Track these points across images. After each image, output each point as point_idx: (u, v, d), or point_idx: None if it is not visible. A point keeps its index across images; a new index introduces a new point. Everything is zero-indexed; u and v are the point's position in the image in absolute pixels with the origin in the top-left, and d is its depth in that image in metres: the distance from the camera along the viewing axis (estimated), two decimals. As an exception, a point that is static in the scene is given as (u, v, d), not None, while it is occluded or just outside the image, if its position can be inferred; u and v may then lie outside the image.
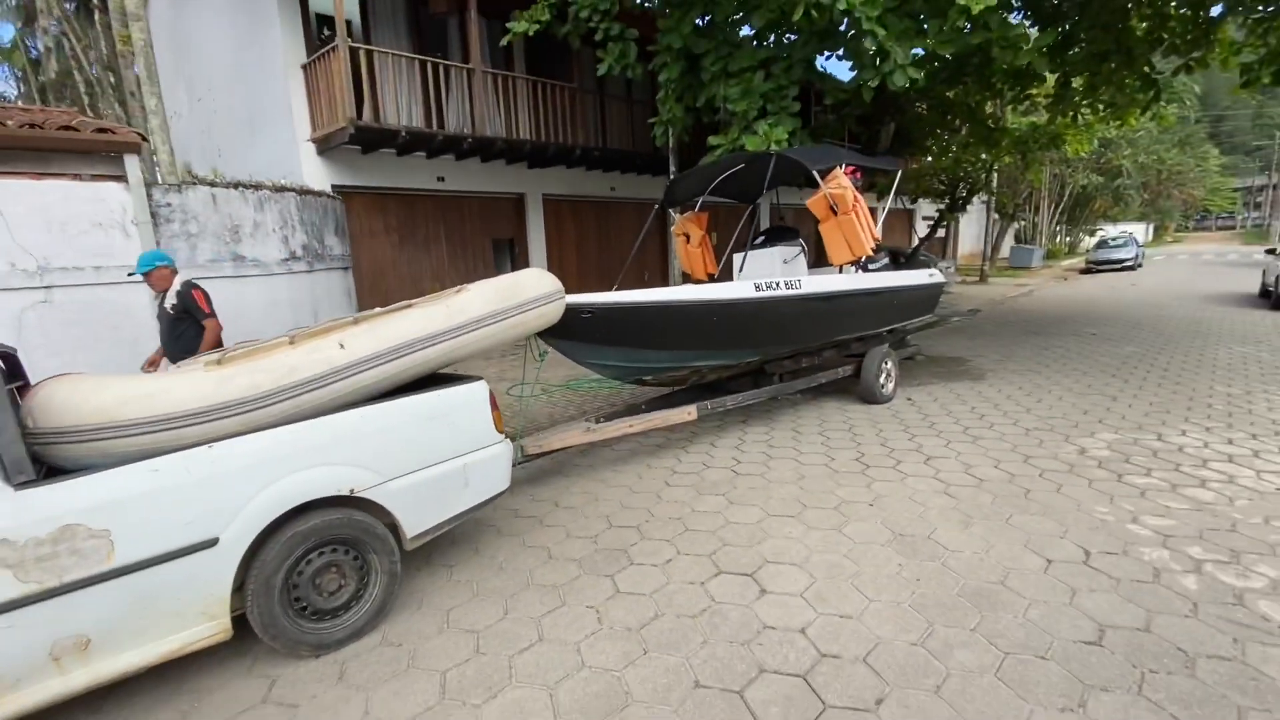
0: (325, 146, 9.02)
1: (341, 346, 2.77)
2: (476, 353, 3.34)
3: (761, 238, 6.18)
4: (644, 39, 8.31)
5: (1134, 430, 5.04)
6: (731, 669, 2.37)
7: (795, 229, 6.35)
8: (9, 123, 4.53)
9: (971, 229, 30.02)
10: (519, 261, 12.17)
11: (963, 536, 3.35)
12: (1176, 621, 2.56)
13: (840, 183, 5.16)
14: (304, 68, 8.99)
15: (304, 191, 6.13)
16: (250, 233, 5.36)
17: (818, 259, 8.29)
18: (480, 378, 3.23)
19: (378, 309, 3.15)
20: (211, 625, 2.34)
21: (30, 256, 4.37)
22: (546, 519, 3.88)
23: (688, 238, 6.69)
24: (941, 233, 20.28)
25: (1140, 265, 25.32)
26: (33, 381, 2.80)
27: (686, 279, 7.13)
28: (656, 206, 6.58)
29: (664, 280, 14.31)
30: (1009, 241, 28.61)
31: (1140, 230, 38.67)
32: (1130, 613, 2.62)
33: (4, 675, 1.99)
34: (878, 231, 5.35)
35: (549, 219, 12.43)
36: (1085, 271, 24.97)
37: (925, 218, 24.39)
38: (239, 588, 2.42)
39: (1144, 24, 9.60)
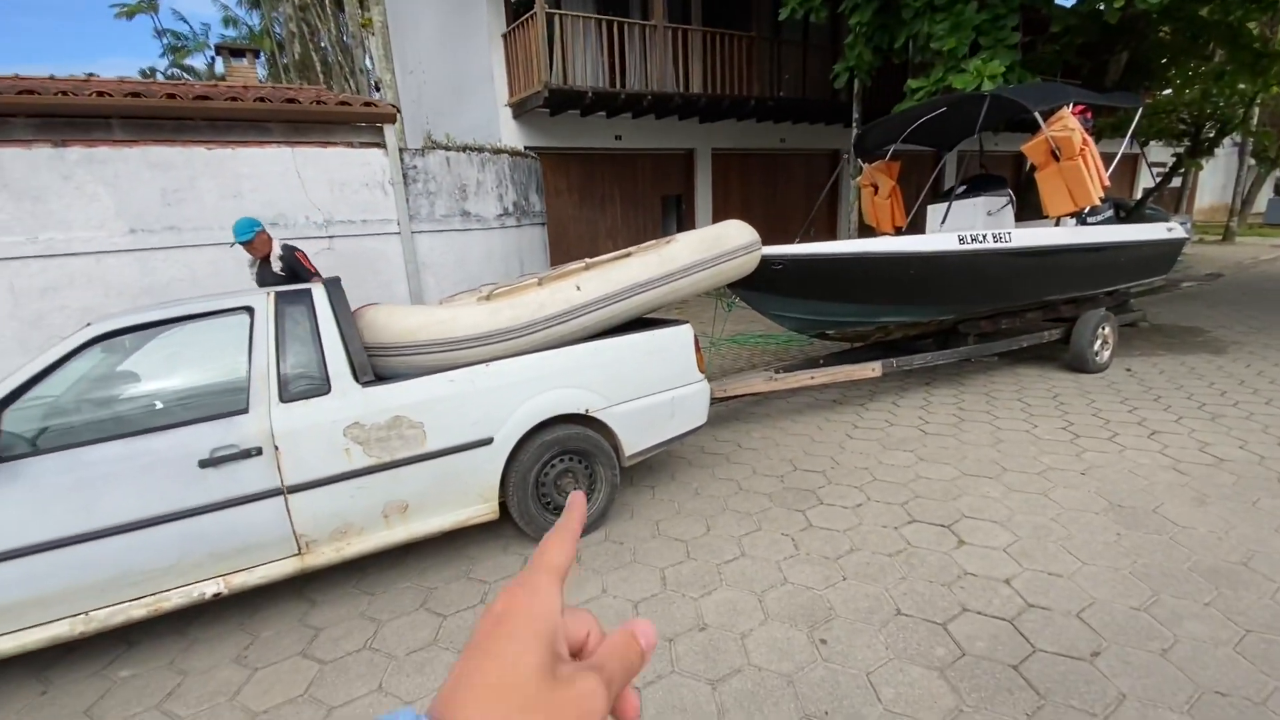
0: (520, 110, 9.81)
1: (579, 289, 3.20)
2: (683, 298, 3.64)
3: (963, 187, 5.74)
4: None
5: None
6: (933, 604, 2.49)
7: (1002, 178, 5.81)
8: (302, 100, 5.57)
9: (1215, 178, 24.86)
10: (685, 218, 12.41)
11: (1196, 514, 3.07)
12: None
13: (1066, 124, 4.64)
14: (504, 36, 9.77)
15: (514, 153, 6.82)
16: (474, 191, 6.12)
17: (1021, 210, 7.54)
18: (686, 321, 3.52)
19: (604, 256, 3.54)
20: (485, 507, 2.93)
21: (319, 211, 5.42)
22: (732, 457, 4.16)
23: (875, 189, 6.43)
24: (1176, 182, 17.05)
25: None
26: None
27: (869, 232, 6.88)
28: (844, 156, 6.38)
29: (833, 236, 13.77)
30: (1266, 193, 23.26)
31: None
32: None
33: (354, 523, 2.69)
34: (1107, 179, 4.77)
35: (716, 174, 12.46)
36: (1384, 229, 19.70)
37: (1153, 164, 20.56)
38: (503, 481, 2.98)
39: None
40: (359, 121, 5.48)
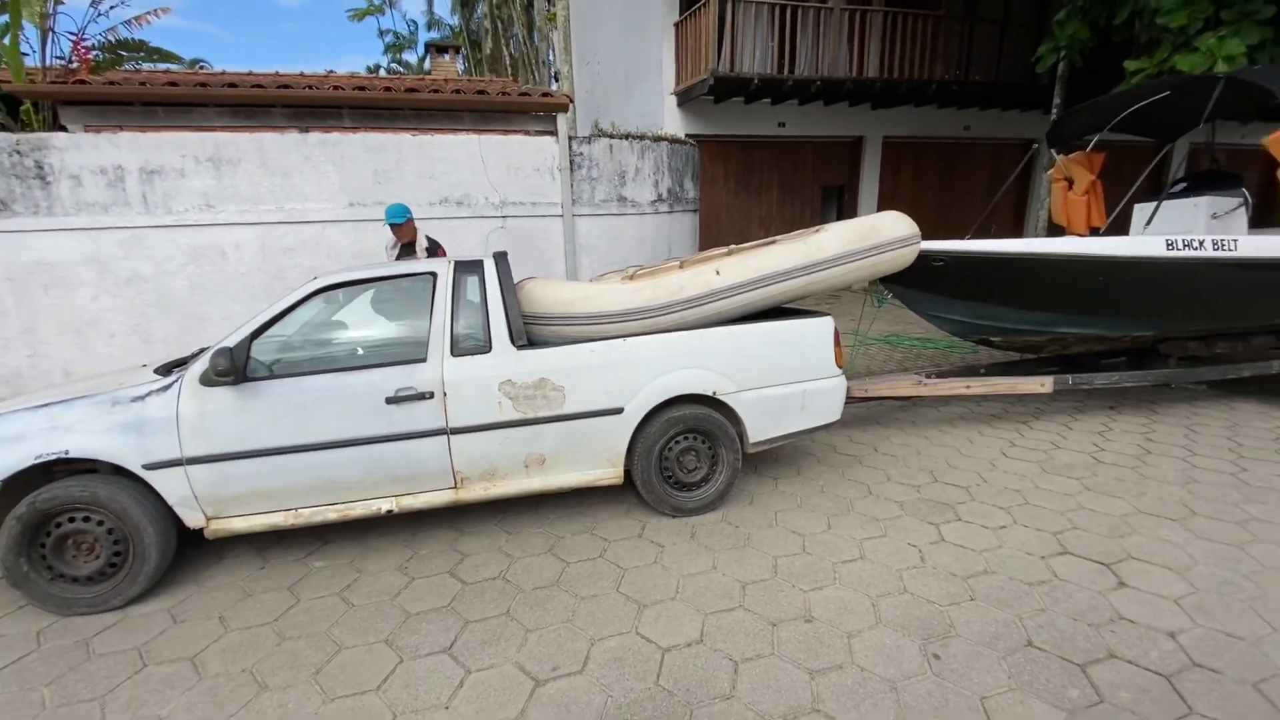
0: (685, 98, 9.98)
1: (718, 273, 3.28)
2: (829, 289, 3.57)
3: (1182, 184, 4.88)
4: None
5: None
6: (1073, 643, 2.26)
7: (1236, 175, 4.84)
8: (490, 92, 6.19)
9: None
10: (846, 210, 11.86)
11: None
12: None
13: (1334, 111, 3.77)
14: (676, 25, 9.97)
15: (673, 141, 7.00)
16: (632, 177, 6.40)
17: (1262, 217, 6.29)
18: (828, 314, 3.45)
19: (748, 243, 3.58)
20: (612, 471, 3.15)
21: (496, 193, 6.01)
22: (865, 460, 4.01)
23: (1070, 183, 5.69)
24: None
25: None
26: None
27: (1057, 232, 6.12)
28: (1034, 145, 5.72)
29: (1018, 234, 12.35)
30: None
31: None
32: None
33: (500, 468, 3.04)
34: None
35: (886, 164, 11.74)
36: None
37: None
38: (630, 450, 3.17)
39: None
40: (537, 110, 5.98)
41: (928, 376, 4.53)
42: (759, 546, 2.97)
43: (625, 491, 3.46)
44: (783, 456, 4.06)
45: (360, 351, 3.08)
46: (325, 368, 2.87)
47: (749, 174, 11.17)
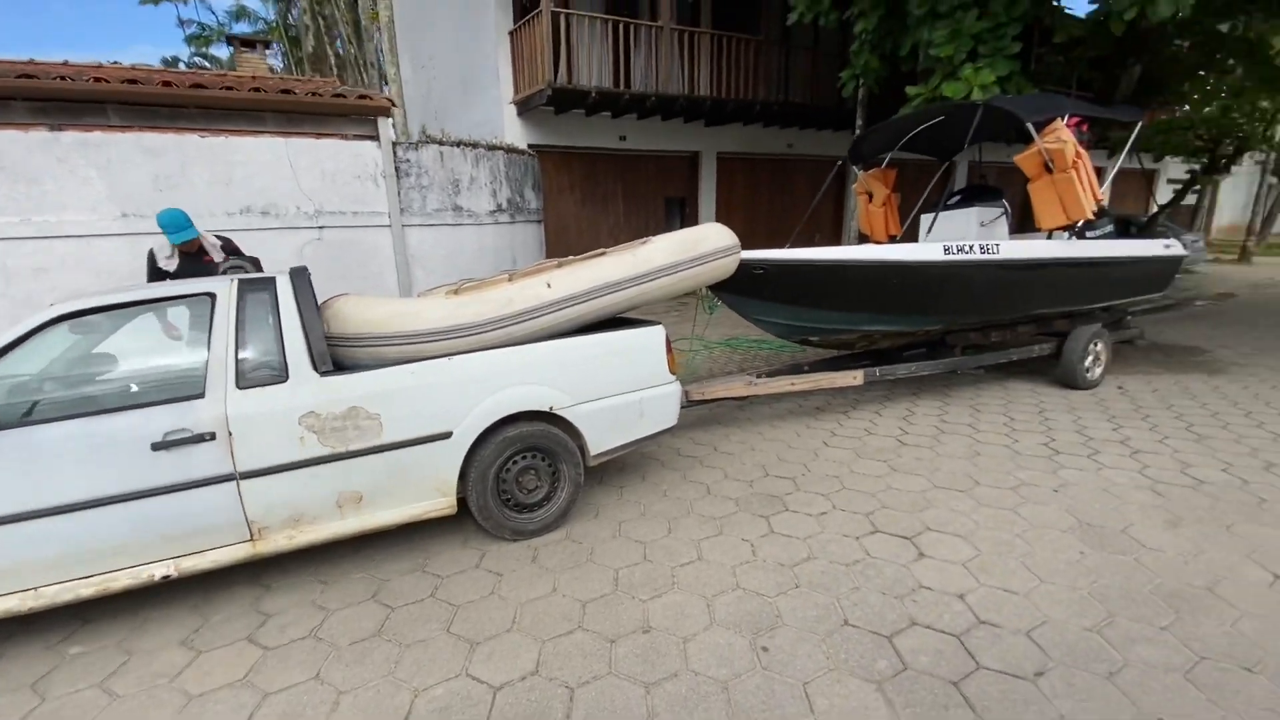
0: (524, 108, 9.85)
1: (549, 285, 3.19)
2: (658, 299, 3.63)
3: (957, 197, 5.68)
4: (839, -16, 7.87)
5: None
6: (882, 616, 2.45)
7: (998, 189, 5.75)
8: (297, 91, 5.62)
9: (1236, 196, 24.46)
10: (688, 220, 12.40)
11: (1166, 536, 3.01)
12: None
13: (1059, 136, 4.58)
14: (511, 34, 9.81)
15: (510, 150, 6.83)
16: (467, 186, 6.14)
17: (1022, 224, 7.47)
18: (659, 322, 3.51)
19: (578, 256, 3.53)
20: (443, 501, 2.93)
21: (310, 202, 5.46)
22: (705, 460, 4.14)
23: (870, 196, 6.38)
24: (1191, 199, 16.82)
25: None
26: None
27: (864, 240, 6.83)
28: (839, 162, 6.34)
29: (837, 242, 13.68)
30: (1289, 213, 22.82)
31: None
32: (1386, 647, 2.24)
33: (306, 512, 2.70)
34: (1103, 193, 4.70)
35: (721, 177, 12.45)
36: (1407, 253, 19.28)
37: (1171, 181, 20.27)
38: (462, 476, 2.98)
39: None
40: (353, 114, 5.52)
41: (758, 377, 4.80)
42: (601, 560, 2.92)
43: (463, 520, 3.25)
44: (629, 464, 4.07)
45: (118, 389, 2.59)
46: (69, 413, 2.36)
47: (595, 185, 11.28)
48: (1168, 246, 5.66)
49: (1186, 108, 13.12)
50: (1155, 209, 15.94)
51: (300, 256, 5.52)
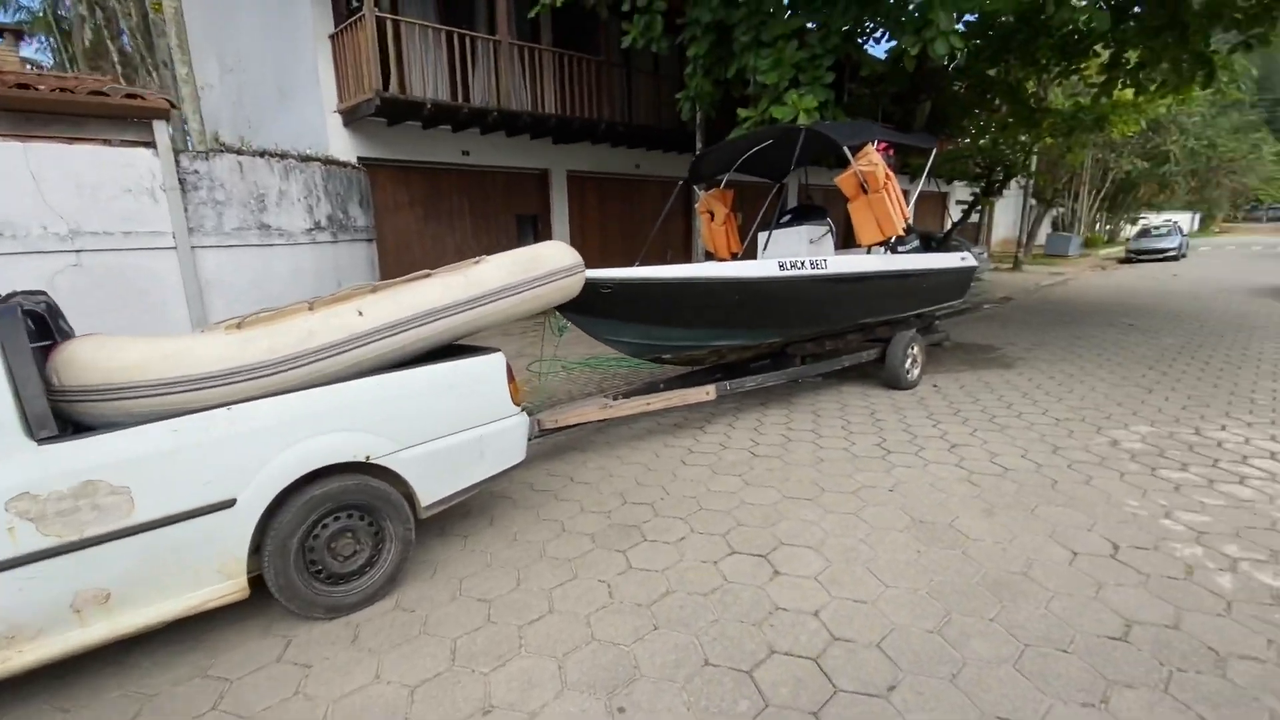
0: (351, 118, 9.03)
1: (360, 314, 2.77)
2: (495, 324, 3.33)
3: (788, 216, 6.02)
4: (672, 11, 8.11)
5: (1170, 424, 4.86)
6: (742, 648, 2.35)
7: (823, 208, 6.19)
8: (41, 87, 4.58)
9: (1007, 215, 29.13)
10: (542, 238, 12.14)
11: (984, 525, 3.26)
12: (1208, 620, 2.46)
13: (871, 159, 4.99)
14: (331, 38, 8.97)
15: (329, 162, 6.14)
16: (276, 202, 5.38)
17: (845, 240, 8.11)
18: (498, 349, 3.21)
19: (397, 279, 3.13)
20: (229, 584, 2.38)
21: (61, 220, 4.45)
22: (561, 493, 3.88)
23: (711, 215, 6.57)
24: (975, 218, 19.70)
25: (1184, 255, 24.38)
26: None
27: (710, 257, 7.03)
28: (680, 183, 6.46)
29: (688, 258, 14.16)
30: (1045, 229, 27.69)
31: (1185, 220, 37.10)
32: (1159, 609, 2.53)
33: (27, 625, 2.05)
34: (909, 212, 5.18)
35: (573, 195, 12.35)
36: (1125, 261, 24.14)
37: (959, 202, 23.70)
38: (256, 549, 2.45)
39: (1203, -4, 9.09)
40: (119, 116, 4.60)
41: (614, 398, 4.65)
42: (437, 630, 2.54)
43: (263, 599, 2.69)
44: (475, 507, 3.69)
45: None
46: None
47: (438, 201, 10.63)
48: (964, 259, 6.41)
49: (967, 140, 15.34)
50: (949, 226, 18.46)
51: (52, 287, 4.47)
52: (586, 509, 3.62)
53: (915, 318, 6.38)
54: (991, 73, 11.43)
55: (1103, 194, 29.38)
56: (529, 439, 4.20)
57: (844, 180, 5.14)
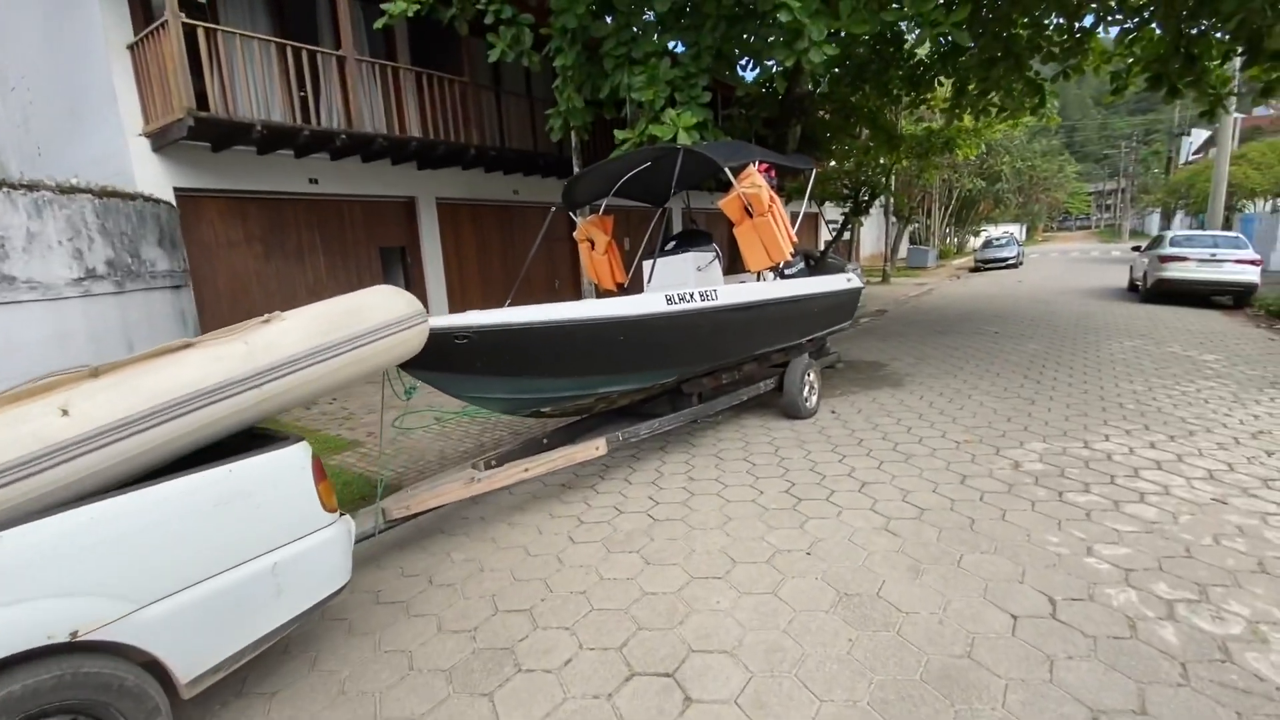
0: (162, 141, 7.63)
1: (65, 412, 1.87)
2: (299, 401, 2.51)
3: (673, 243, 5.60)
4: (540, 24, 7.57)
5: (1060, 437, 4.85)
6: (648, 846, 1.70)
7: (708, 233, 5.82)
8: None
9: (871, 232, 31.32)
10: (413, 272, 11.07)
11: (915, 590, 2.86)
12: (1171, 694, 2.14)
13: (754, 181, 4.66)
14: (130, 48, 7.57)
15: (106, 194, 4.91)
16: (23, 246, 4.14)
17: (731, 264, 7.86)
18: (299, 438, 2.38)
19: (138, 354, 2.24)
20: None
21: None
22: (415, 604, 3.06)
23: (592, 244, 6.01)
24: (846, 236, 20.79)
25: (1021, 263, 27.25)
26: None
27: (597, 290, 6.46)
28: (553, 209, 5.86)
29: (577, 291, 13.57)
30: (905, 243, 30.03)
31: (1015, 231, 41.95)
32: (1120, 688, 2.19)
33: None
34: (794, 235, 4.90)
35: (445, 224, 11.40)
36: (974, 270, 26.56)
37: (829, 221, 25.09)
38: None
39: (1025, 31, 9.96)
40: None
41: (486, 465, 3.89)
42: None
43: None
44: (294, 643, 2.79)
45: None
46: None
47: (282, 235, 9.31)
48: (849, 280, 6.29)
49: (833, 164, 16.09)
50: (824, 245, 19.27)
51: None
52: (446, 627, 2.84)
53: (809, 343, 6.15)
54: (854, 99, 11.95)
55: (950, 210, 32.43)
56: (375, 532, 3.38)
57: (728, 204, 4.77)
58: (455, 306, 11.64)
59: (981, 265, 26.54)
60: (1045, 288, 17.62)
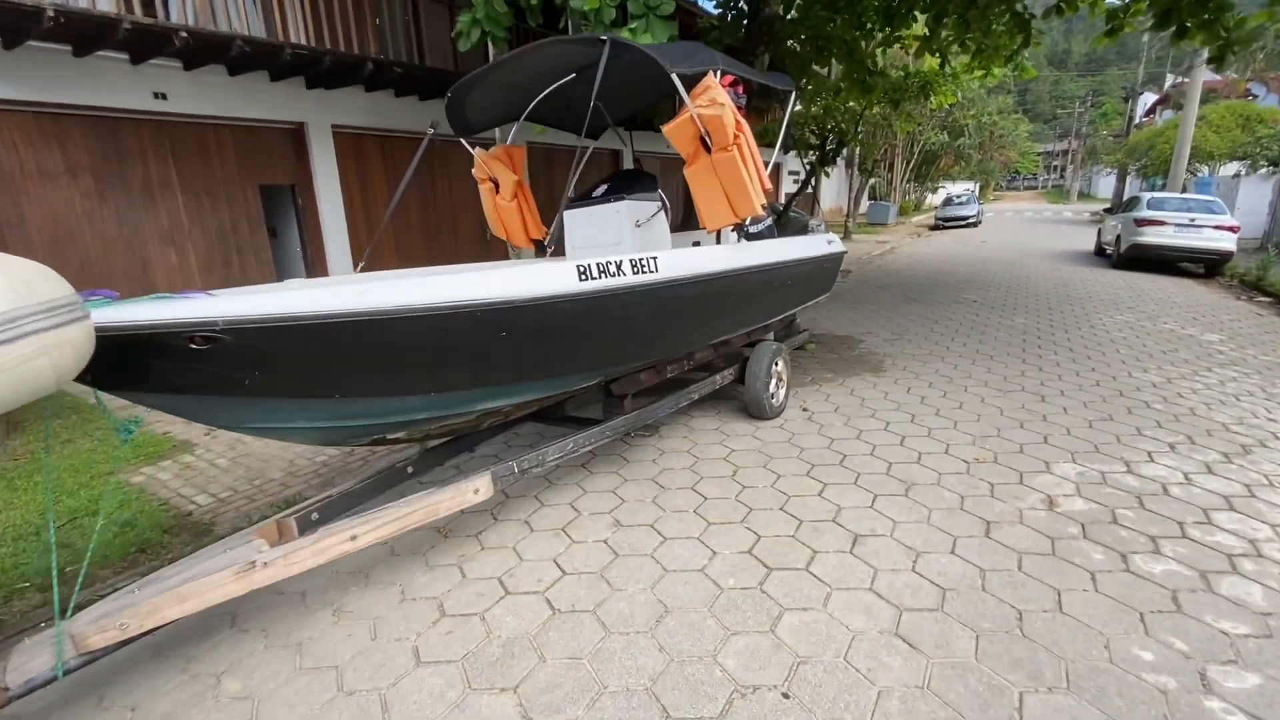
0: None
1: None
2: None
3: (603, 187, 4.16)
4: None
5: (1092, 455, 3.80)
6: None
7: (652, 176, 4.36)
8: None
9: (831, 186, 30.15)
10: (306, 215, 9.22)
11: (965, 789, 1.70)
12: None
13: (714, 97, 3.23)
14: None
15: None
16: None
17: (686, 218, 6.40)
18: None
19: None
20: None
21: None
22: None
23: (496, 186, 4.51)
24: (809, 189, 19.51)
25: (980, 222, 26.69)
26: None
27: (504, 249, 4.97)
28: (429, 132, 4.29)
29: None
30: (864, 199, 29.02)
31: (973, 189, 41.58)
32: None
33: None
34: (768, 181, 3.54)
35: (345, 159, 9.49)
36: (934, 228, 25.85)
37: (791, 172, 23.69)
38: None
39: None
40: None
41: (299, 527, 2.52)
42: None
43: None
44: None
45: None
46: None
47: (122, 166, 7.34)
48: (830, 243, 5.02)
49: (799, 107, 14.62)
50: (786, 198, 17.96)
51: None
52: None
53: (778, 322, 4.89)
54: (829, 28, 10.42)
55: (911, 165, 31.46)
56: (55, 677, 2.00)
57: (677, 129, 3.33)
58: (359, 256, 9.89)
59: (942, 223, 25.85)
60: (1010, 248, 16.92)
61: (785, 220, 7.82)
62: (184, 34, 6.36)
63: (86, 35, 6.12)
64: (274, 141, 8.82)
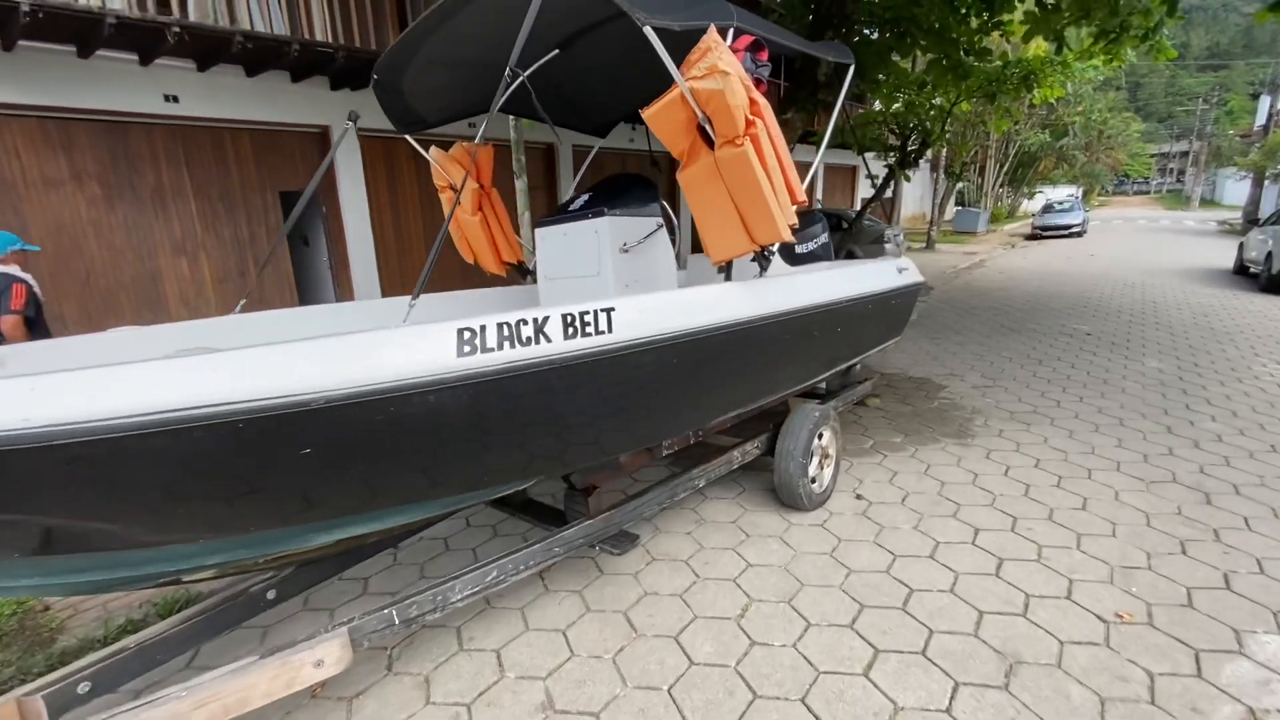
0: (-97, 28, 5.30)
1: None
2: None
3: (583, 198, 3.09)
4: None
5: (1315, 622, 2.42)
6: None
7: (651, 182, 3.25)
8: None
9: (914, 190, 27.84)
10: (331, 223, 8.72)
11: None
12: None
13: (716, 63, 2.11)
14: None
15: None
16: None
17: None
18: None
19: None
20: None
21: None
22: None
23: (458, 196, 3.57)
24: (888, 193, 17.76)
25: (1085, 231, 23.85)
26: None
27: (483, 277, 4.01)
28: (349, 123, 3.35)
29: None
30: (950, 204, 26.58)
31: (1076, 194, 37.71)
32: None
33: None
34: (802, 192, 2.40)
35: (372, 166, 8.94)
36: (1032, 238, 23.28)
37: (869, 175, 21.86)
38: None
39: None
40: None
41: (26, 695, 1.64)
42: None
43: None
44: None
45: None
46: None
47: (132, 173, 7.00)
48: (901, 271, 3.76)
49: (879, 104, 13.06)
50: (861, 203, 16.33)
51: None
52: None
53: (826, 378, 3.69)
54: (915, 10, 8.95)
55: (1006, 168, 28.64)
56: None
57: (660, 116, 2.24)
58: (388, 274, 9.35)
59: (1040, 232, 23.23)
60: (1126, 264, 14.61)
61: (857, 229, 6.43)
62: (176, 29, 5.84)
63: (78, 32, 5.72)
64: (295, 146, 8.34)
